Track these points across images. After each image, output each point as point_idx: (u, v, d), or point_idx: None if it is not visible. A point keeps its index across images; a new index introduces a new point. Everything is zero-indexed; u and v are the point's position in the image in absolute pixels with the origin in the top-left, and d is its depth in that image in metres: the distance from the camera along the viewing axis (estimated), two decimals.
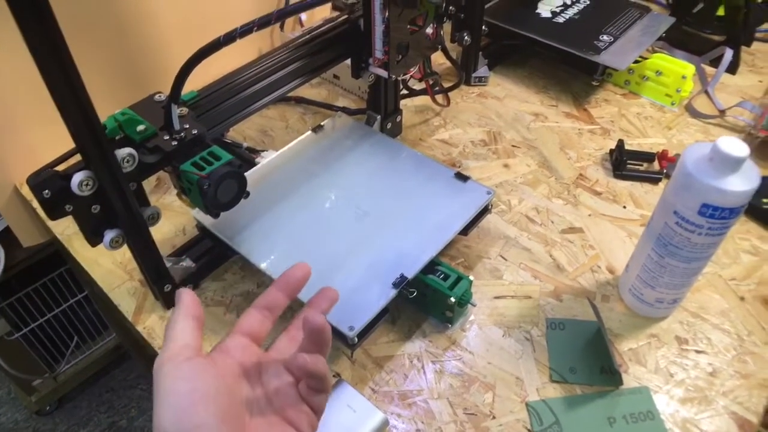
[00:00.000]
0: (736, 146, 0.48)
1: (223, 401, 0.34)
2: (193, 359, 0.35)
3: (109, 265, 0.68)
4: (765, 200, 0.72)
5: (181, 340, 0.36)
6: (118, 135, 0.52)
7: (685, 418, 0.54)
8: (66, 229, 0.72)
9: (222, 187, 0.52)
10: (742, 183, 0.48)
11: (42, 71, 0.41)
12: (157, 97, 0.56)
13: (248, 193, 0.55)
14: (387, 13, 0.62)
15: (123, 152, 0.50)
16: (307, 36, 0.66)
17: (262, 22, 0.45)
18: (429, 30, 0.69)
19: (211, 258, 0.66)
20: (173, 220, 0.72)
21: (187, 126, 0.54)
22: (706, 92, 0.92)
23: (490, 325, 0.60)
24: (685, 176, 0.50)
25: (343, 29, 0.68)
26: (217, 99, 0.60)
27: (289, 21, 0.96)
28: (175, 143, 0.52)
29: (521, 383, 0.56)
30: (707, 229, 0.51)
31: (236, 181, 0.53)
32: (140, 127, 0.52)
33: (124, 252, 0.66)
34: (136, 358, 1.40)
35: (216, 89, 0.60)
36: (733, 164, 0.48)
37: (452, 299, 0.55)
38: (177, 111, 0.52)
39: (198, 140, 0.54)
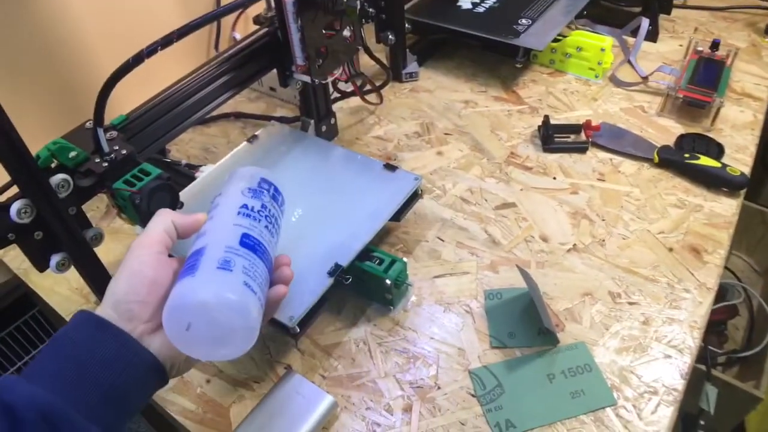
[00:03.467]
0: None
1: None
2: (162, 254, 0.44)
3: (65, 292, 0.70)
4: (686, 155, 0.76)
5: (158, 234, 0.44)
6: (53, 163, 0.55)
7: (622, 367, 0.57)
8: (22, 263, 0.74)
9: (154, 199, 0.54)
10: None
11: None
12: (87, 124, 0.59)
13: (182, 204, 0.58)
14: (300, 21, 0.65)
15: (57, 179, 0.53)
16: (231, 51, 0.69)
17: (165, 41, 0.48)
18: (347, 33, 0.72)
19: None
20: (126, 241, 0.74)
21: (117, 147, 0.56)
22: (629, 62, 0.96)
23: (431, 303, 0.63)
24: None
25: (265, 41, 0.71)
26: (148, 120, 0.63)
27: (225, 39, 0.99)
28: (106, 165, 0.55)
29: (463, 353, 0.59)
30: None
31: (168, 193, 0.56)
32: (72, 154, 0.55)
33: (79, 278, 0.69)
34: None
35: (146, 111, 0.63)
36: None
37: (388, 281, 0.58)
38: (105, 135, 0.55)
39: (128, 160, 0.57)
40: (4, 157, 0.48)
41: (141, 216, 0.55)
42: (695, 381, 1.09)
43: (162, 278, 0.43)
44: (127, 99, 0.63)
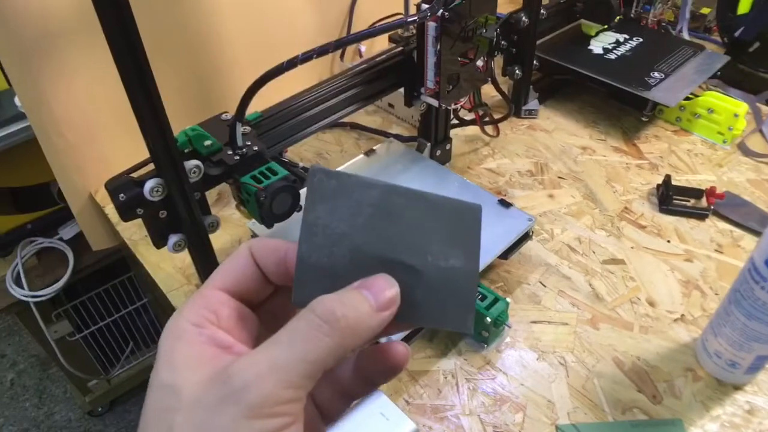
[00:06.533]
0: None
1: None
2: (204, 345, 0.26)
3: (170, 270, 0.73)
4: None
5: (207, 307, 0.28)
6: (187, 148, 0.57)
7: None
8: (133, 235, 0.78)
9: (277, 199, 0.56)
10: None
11: (128, 91, 0.46)
12: (223, 116, 0.61)
13: (301, 207, 0.59)
14: (439, 46, 0.65)
15: (191, 164, 0.55)
16: (363, 65, 0.71)
17: (321, 51, 0.49)
18: (480, 63, 0.72)
19: None
20: (231, 231, 0.77)
21: (249, 143, 0.59)
22: (761, 131, 0.91)
23: (525, 348, 0.61)
24: None
25: (398, 60, 0.72)
26: (278, 120, 0.65)
27: (350, 51, 1.01)
28: (237, 158, 0.57)
29: (552, 406, 0.57)
30: None
31: (290, 195, 0.57)
32: (207, 142, 0.57)
33: (184, 258, 0.71)
34: None
35: (277, 111, 0.65)
36: None
37: (488, 319, 0.57)
38: (241, 129, 0.57)
39: (258, 156, 0.58)
40: (152, 138, 0.51)
41: (262, 213, 0.57)
42: None
43: None
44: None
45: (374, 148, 0.75)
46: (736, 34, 0.99)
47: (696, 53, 0.95)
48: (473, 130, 0.87)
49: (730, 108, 0.86)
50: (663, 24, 1.07)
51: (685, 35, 1.08)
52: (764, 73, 1.00)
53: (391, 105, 0.93)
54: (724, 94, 0.92)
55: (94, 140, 0.80)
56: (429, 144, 0.78)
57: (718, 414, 0.57)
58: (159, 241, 0.59)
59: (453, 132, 0.84)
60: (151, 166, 0.54)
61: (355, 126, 0.91)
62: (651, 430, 0.55)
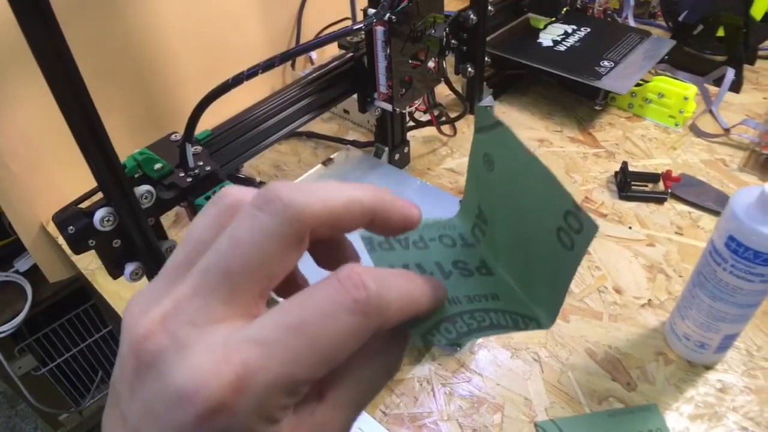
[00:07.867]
0: None
1: None
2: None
3: (130, 298, 0.71)
4: None
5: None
6: (137, 173, 0.55)
7: None
8: (90, 264, 0.75)
9: None
10: None
11: (66, 117, 0.44)
12: (173, 137, 0.59)
13: None
14: (389, 50, 0.65)
15: (141, 189, 0.54)
16: (315, 74, 0.70)
17: (267, 65, 0.48)
18: (431, 64, 0.72)
19: None
20: None
21: (201, 163, 0.57)
22: (710, 112, 0.93)
23: (498, 348, 0.61)
24: (729, 208, 0.50)
25: (349, 66, 0.71)
26: (230, 137, 0.64)
27: (300, 59, 1.00)
28: (190, 180, 0.55)
29: (530, 403, 0.57)
30: (731, 266, 0.50)
31: None
32: (157, 166, 0.55)
33: (144, 285, 0.69)
34: None
35: (229, 127, 0.64)
36: None
37: None
38: (191, 149, 0.56)
39: (212, 176, 0.57)
40: (97, 166, 0.49)
41: None
42: None
43: None
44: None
45: (332, 156, 0.74)
46: (680, 18, 1.01)
47: (643, 39, 0.96)
48: (430, 130, 0.86)
49: (680, 91, 0.88)
50: (609, 12, 1.09)
51: (631, 22, 1.10)
52: (710, 55, 1.02)
53: (346, 111, 0.92)
54: (672, 77, 0.94)
55: (41, 169, 0.77)
56: (387, 149, 0.77)
57: (692, 395, 0.57)
58: (115, 271, 0.57)
59: (410, 134, 0.84)
60: (100, 195, 0.52)
61: (311, 135, 0.90)
62: (628, 417, 0.56)
